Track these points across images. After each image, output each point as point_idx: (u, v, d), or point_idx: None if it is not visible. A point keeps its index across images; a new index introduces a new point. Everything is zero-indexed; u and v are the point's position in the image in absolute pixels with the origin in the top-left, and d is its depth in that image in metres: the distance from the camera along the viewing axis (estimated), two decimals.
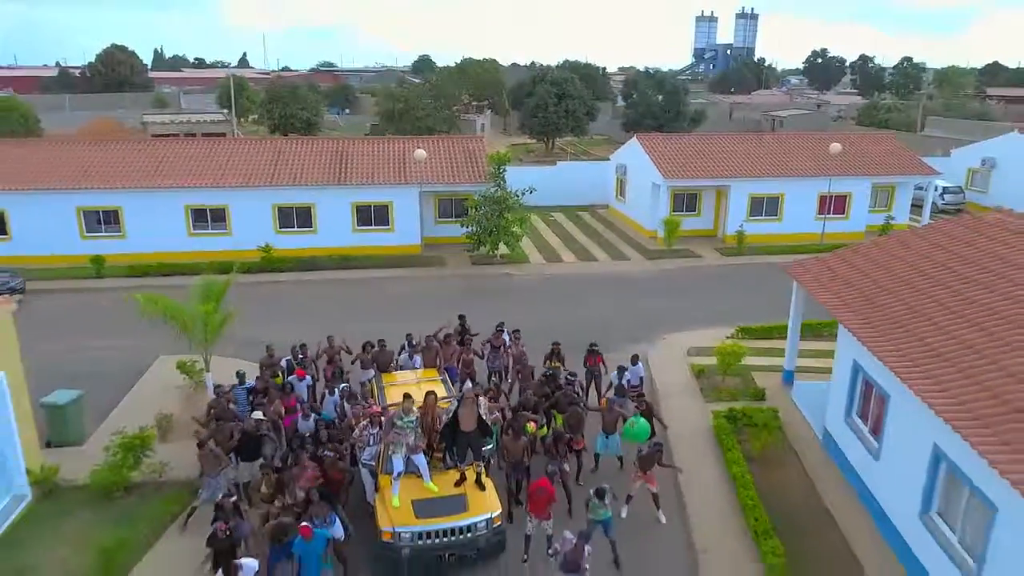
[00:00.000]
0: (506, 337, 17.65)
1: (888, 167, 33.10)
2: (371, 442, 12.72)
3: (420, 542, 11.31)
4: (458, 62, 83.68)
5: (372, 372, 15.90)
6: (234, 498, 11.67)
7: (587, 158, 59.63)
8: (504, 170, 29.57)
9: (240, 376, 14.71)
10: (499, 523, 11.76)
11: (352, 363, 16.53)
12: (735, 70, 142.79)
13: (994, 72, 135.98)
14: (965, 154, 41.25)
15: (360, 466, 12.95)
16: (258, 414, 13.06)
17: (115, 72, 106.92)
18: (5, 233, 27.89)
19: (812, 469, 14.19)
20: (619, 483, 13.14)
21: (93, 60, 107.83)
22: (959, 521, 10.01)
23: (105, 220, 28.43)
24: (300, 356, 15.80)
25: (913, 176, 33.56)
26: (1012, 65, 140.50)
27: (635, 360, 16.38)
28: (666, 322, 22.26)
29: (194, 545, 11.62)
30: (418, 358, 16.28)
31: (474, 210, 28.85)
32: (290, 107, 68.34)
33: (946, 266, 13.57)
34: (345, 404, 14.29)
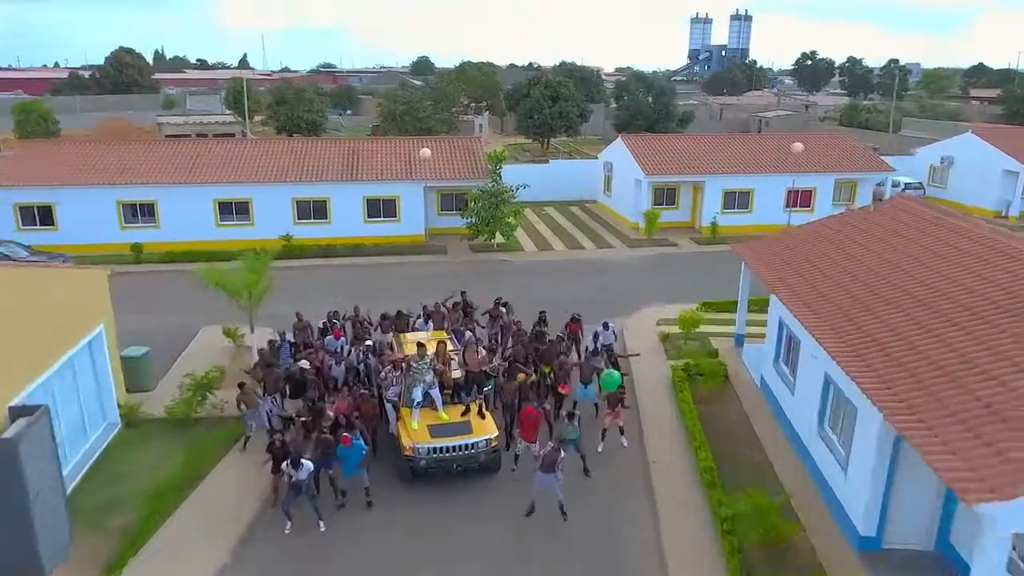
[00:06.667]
0: (502, 309, 20.90)
1: (848, 164, 36.43)
2: (394, 383, 15.92)
3: (434, 455, 14.52)
4: (457, 65, 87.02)
5: (391, 335, 19.15)
6: (302, 418, 14.86)
7: (579, 157, 62.90)
8: (500, 167, 32.77)
9: (282, 334, 17.93)
10: (496, 444, 14.96)
11: (374, 330, 19.71)
12: (727, 71, 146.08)
13: (979, 74, 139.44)
14: (927, 153, 44.56)
15: (385, 402, 16.14)
16: (304, 363, 16.24)
17: (123, 74, 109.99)
18: (52, 224, 31.05)
19: (749, 408, 17.43)
20: (595, 427, 16.36)
21: (102, 62, 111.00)
22: (839, 427, 13.26)
23: (142, 212, 31.62)
24: (333, 321, 19.01)
25: (871, 173, 36.85)
26: (997, 66, 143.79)
27: (606, 325, 19.58)
28: (642, 299, 25.50)
29: (251, 460, 14.88)
30: (429, 323, 19.51)
31: (473, 203, 32.06)
32: (296, 109, 71.51)
33: (856, 241, 16.83)
34: (370, 356, 17.49)
